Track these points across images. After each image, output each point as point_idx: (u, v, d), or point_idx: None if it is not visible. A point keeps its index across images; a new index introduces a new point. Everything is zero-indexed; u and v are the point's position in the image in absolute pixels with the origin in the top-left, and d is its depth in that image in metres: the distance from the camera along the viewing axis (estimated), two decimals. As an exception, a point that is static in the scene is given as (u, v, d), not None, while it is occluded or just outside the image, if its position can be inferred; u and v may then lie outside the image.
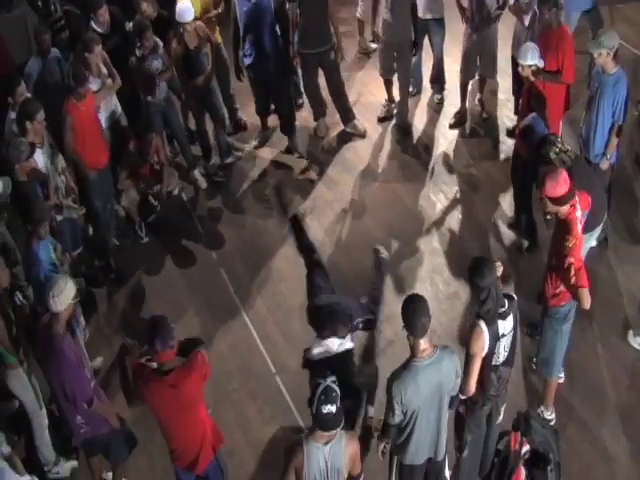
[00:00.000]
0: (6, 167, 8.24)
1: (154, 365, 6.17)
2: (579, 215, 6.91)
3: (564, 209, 6.80)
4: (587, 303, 6.80)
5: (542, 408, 7.64)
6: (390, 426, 6.12)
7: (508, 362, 6.55)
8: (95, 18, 9.95)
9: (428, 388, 5.88)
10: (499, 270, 6.39)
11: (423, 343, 5.83)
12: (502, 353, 6.43)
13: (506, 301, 6.31)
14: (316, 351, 7.04)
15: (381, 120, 11.49)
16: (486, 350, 6.23)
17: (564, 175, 6.78)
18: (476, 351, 6.22)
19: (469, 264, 6.26)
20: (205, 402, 6.48)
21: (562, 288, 6.96)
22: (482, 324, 6.17)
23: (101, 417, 6.95)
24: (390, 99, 11.47)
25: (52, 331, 6.69)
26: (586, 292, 6.74)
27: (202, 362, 6.22)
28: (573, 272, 6.69)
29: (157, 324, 6.18)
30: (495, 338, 6.25)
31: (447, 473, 6.75)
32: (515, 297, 6.46)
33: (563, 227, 6.86)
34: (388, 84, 11.33)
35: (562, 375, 7.87)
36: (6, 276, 7.57)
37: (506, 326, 6.34)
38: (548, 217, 7.23)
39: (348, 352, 7.17)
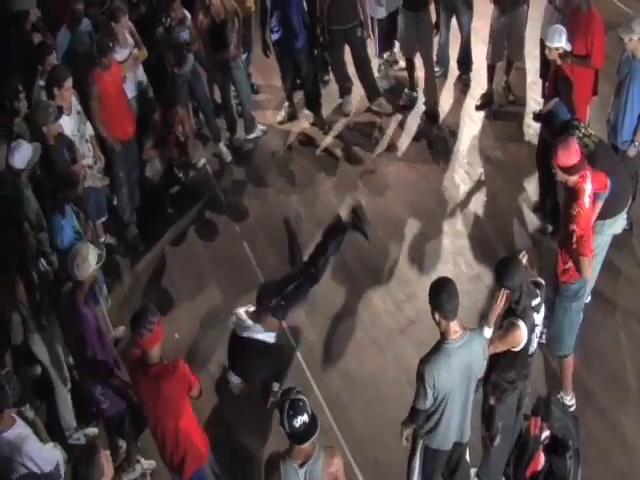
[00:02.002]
0: (35, 132, 8.26)
1: (138, 352, 6.19)
2: (588, 189, 6.91)
3: (573, 179, 6.83)
4: (587, 272, 6.88)
5: (562, 394, 7.63)
6: (420, 412, 6.07)
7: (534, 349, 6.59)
8: (125, -15, 9.96)
9: (459, 370, 5.88)
10: (524, 259, 6.39)
11: (454, 325, 5.81)
12: (535, 340, 6.46)
13: (538, 291, 6.33)
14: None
15: (402, 108, 11.35)
16: (523, 345, 6.24)
17: (575, 146, 6.83)
18: (508, 346, 6.23)
19: (495, 266, 6.25)
20: (193, 416, 6.42)
21: (572, 264, 6.98)
22: (521, 324, 6.15)
23: (119, 392, 6.97)
24: (411, 86, 11.36)
25: (75, 299, 6.72)
26: (586, 261, 6.81)
27: (184, 370, 6.19)
28: (575, 239, 6.75)
29: (136, 313, 6.18)
30: (531, 332, 6.26)
31: (467, 456, 6.76)
32: (543, 283, 6.47)
33: (570, 195, 6.90)
34: (410, 67, 11.19)
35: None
36: (31, 243, 7.62)
37: (539, 317, 6.38)
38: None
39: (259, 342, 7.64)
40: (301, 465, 5.51)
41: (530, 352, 6.43)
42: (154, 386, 6.10)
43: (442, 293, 5.76)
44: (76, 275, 6.68)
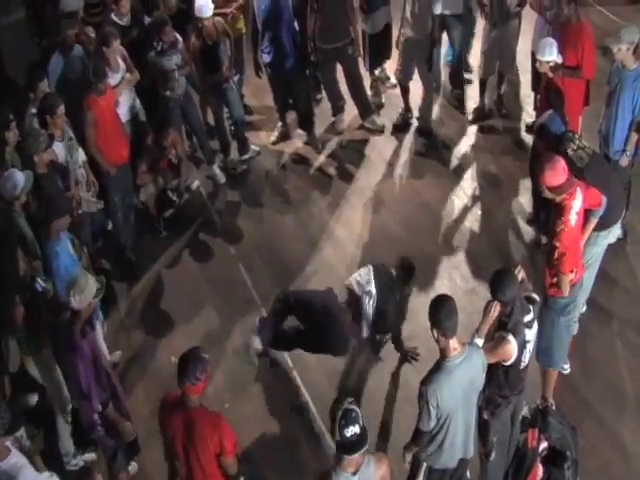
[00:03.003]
0: (27, 160, 8.28)
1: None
2: (576, 205, 6.90)
3: (560, 197, 6.84)
4: (565, 290, 6.91)
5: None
6: (424, 433, 6.01)
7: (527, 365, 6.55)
8: (117, 9, 9.99)
9: (461, 387, 5.84)
10: (520, 274, 6.38)
11: (454, 342, 5.78)
12: (527, 356, 6.42)
13: (531, 307, 6.32)
14: None
15: (396, 128, 11.33)
16: (513, 360, 6.22)
17: (562, 164, 6.82)
18: (498, 359, 6.21)
19: (490, 278, 6.23)
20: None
21: None
22: (510, 337, 6.13)
23: (112, 425, 6.94)
24: (407, 108, 11.35)
25: (72, 328, 6.71)
26: (566, 279, 6.84)
27: (229, 431, 6.00)
28: (556, 256, 6.76)
29: (187, 356, 6.02)
30: (522, 347, 6.24)
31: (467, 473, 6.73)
32: (538, 299, 6.47)
33: (556, 211, 6.90)
34: (405, 91, 11.19)
35: (567, 367, 7.87)
36: (24, 264, 7.60)
37: (531, 333, 6.35)
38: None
39: None
40: (354, 473, 5.50)
41: (522, 367, 6.40)
42: (187, 428, 5.98)
43: (441, 311, 5.74)
44: (73, 305, 6.68)
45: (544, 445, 6.61)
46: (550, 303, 7.21)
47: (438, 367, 5.83)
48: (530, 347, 6.45)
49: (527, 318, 6.30)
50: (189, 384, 5.86)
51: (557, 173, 6.75)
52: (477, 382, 6.00)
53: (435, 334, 5.77)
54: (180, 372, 5.89)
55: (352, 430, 5.40)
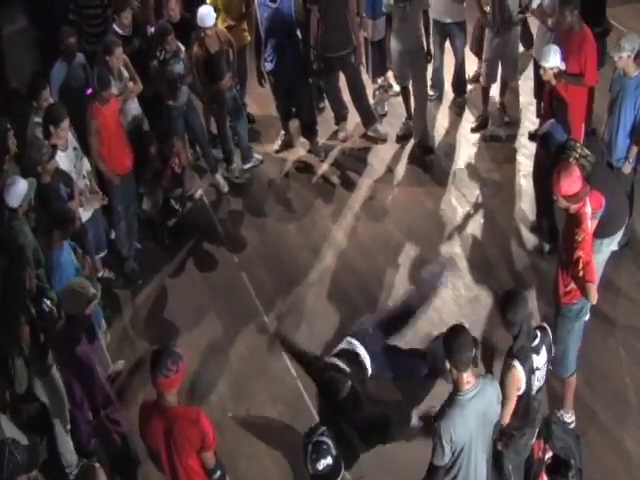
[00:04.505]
0: (27, 170, 8.29)
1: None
2: (589, 211, 6.89)
3: (576, 206, 6.80)
4: (594, 298, 6.76)
5: (562, 412, 7.57)
6: (439, 468, 5.86)
7: (539, 390, 6.43)
8: (118, 20, 10.00)
9: (475, 421, 5.74)
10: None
11: (467, 376, 5.68)
12: (536, 384, 6.30)
13: (538, 333, 6.22)
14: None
15: (400, 138, 11.28)
16: (523, 389, 6.15)
17: (577, 172, 6.80)
18: (512, 392, 6.11)
19: (500, 297, 6.17)
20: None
21: (573, 285, 6.92)
22: (517, 364, 6.05)
23: (106, 434, 6.95)
24: (409, 115, 11.29)
25: (68, 335, 6.72)
26: (593, 287, 6.70)
27: (209, 428, 5.94)
28: (581, 266, 6.65)
29: (157, 354, 5.95)
30: (530, 373, 6.14)
31: None
32: (548, 329, 6.36)
33: (573, 221, 6.86)
34: (405, 94, 11.16)
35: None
36: (32, 283, 7.58)
37: (540, 360, 6.22)
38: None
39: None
40: None
41: (532, 395, 6.29)
42: (167, 429, 5.94)
43: (453, 343, 5.64)
44: (66, 309, 6.69)
45: (549, 454, 6.60)
46: (565, 311, 7.16)
47: (451, 401, 5.73)
48: (540, 375, 6.31)
49: (534, 343, 6.20)
50: (162, 377, 5.78)
51: (573, 181, 6.72)
52: (491, 415, 5.90)
53: (447, 365, 5.70)
54: (152, 367, 5.83)
55: (324, 463, 5.41)
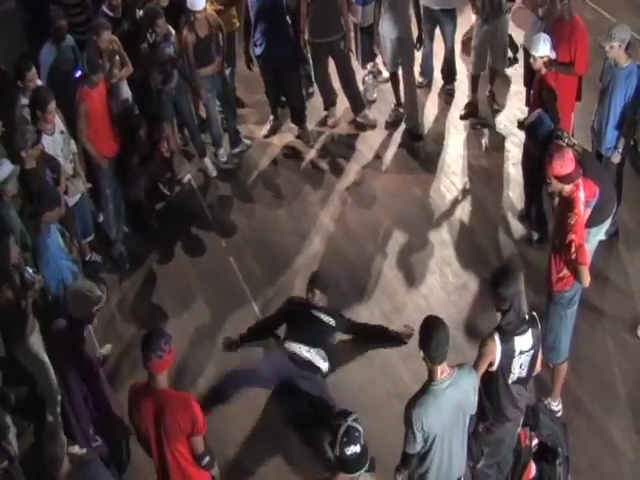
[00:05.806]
0: (13, 153, 8.26)
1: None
2: (582, 197, 6.91)
3: (568, 187, 6.81)
4: (586, 281, 6.76)
5: (549, 400, 7.61)
6: (411, 456, 5.85)
7: (521, 381, 6.35)
8: (107, 1, 9.94)
9: (449, 410, 5.71)
10: None
11: (441, 367, 5.65)
12: (517, 370, 6.24)
13: (527, 317, 6.17)
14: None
15: (389, 125, 11.26)
16: (497, 365, 6.12)
17: (570, 154, 6.82)
18: (482, 361, 6.10)
19: (493, 272, 6.15)
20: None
21: (566, 272, 6.93)
22: (497, 337, 6.03)
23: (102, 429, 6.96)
24: (398, 102, 11.27)
25: (72, 336, 6.71)
26: (586, 270, 6.72)
27: (199, 411, 5.97)
28: (574, 249, 6.67)
29: (148, 336, 5.96)
30: (509, 356, 6.11)
31: None
32: (537, 319, 6.29)
33: (566, 205, 6.87)
34: (395, 81, 11.11)
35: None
36: (16, 253, 7.53)
37: (524, 343, 6.15)
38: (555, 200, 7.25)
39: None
40: None
41: (507, 382, 6.25)
42: (157, 412, 5.93)
43: (430, 338, 5.56)
44: (74, 314, 6.69)
45: (535, 442, 6.63)
46: (557, 298, 7.17)
47: (424, 390, 5.70)
48: (523, 361, 6.23)
49: (521, 327, 6.14)
50: (155, 358, 5.78)
51: (565, 162, 6.73)
52: (466, 404, 5.85)
53: (422, 355, 5.63)
54: (145, 348, 5.82)
55: (352, 449, 5.38)
